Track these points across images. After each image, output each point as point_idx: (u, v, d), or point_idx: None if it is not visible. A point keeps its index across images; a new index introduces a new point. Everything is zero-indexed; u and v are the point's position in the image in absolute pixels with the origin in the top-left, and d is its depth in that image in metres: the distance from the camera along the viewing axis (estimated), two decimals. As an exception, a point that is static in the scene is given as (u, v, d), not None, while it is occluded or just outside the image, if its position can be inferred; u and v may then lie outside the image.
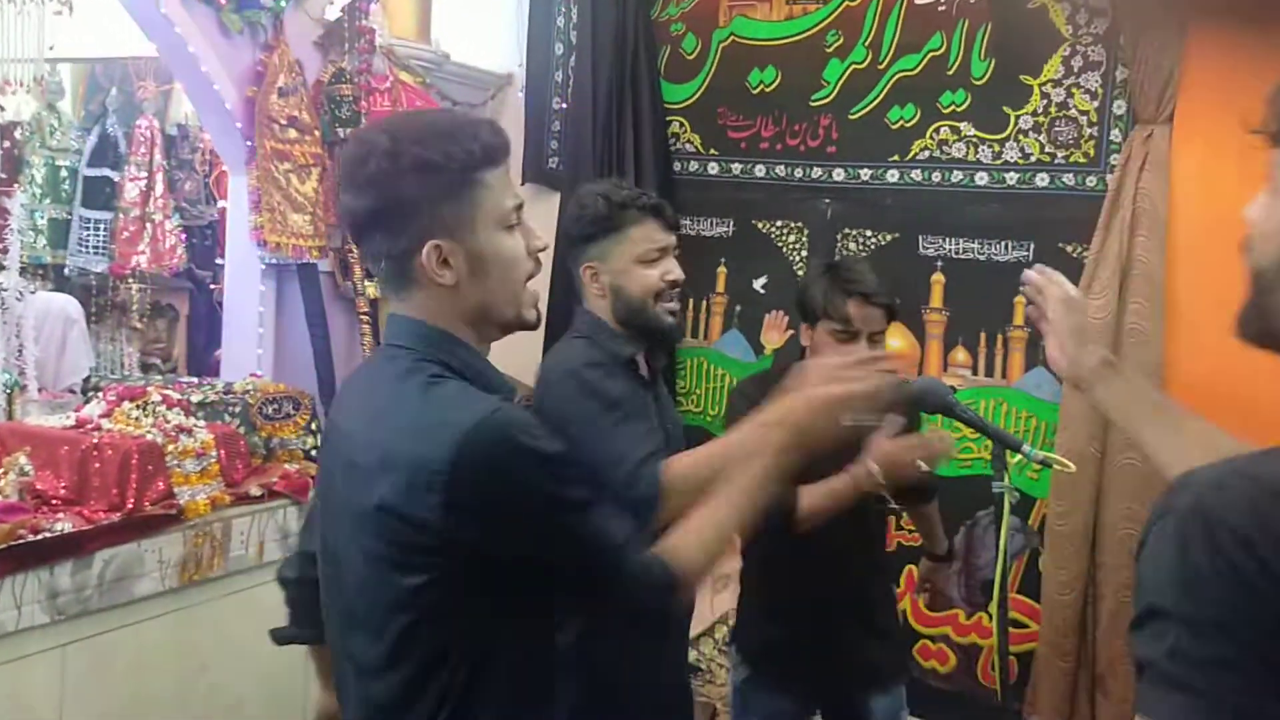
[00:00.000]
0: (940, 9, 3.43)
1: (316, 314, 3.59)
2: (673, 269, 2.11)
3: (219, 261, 4.70)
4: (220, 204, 4.73)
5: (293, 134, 3.43)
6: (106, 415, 2.84)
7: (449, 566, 1.23)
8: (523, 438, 1.22)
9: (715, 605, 3.51)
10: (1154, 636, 0.80)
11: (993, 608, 2.16)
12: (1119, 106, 3.21)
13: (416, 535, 1.21)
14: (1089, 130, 3.25)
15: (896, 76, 3.51)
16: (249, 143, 3.38)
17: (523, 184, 4.05)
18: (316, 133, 3.51)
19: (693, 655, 3.39)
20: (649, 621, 1.69)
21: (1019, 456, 1.97)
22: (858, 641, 2.43)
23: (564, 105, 3.98)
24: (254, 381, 3.28)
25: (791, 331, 3.73)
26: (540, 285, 3.15)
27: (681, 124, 3.88)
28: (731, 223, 3.83)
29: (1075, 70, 3.26)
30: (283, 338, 3.59)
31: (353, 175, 1.29)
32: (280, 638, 1.90)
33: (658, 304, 2.09)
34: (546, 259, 1.53)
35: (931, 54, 3.45)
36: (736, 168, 3.81)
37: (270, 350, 3.53)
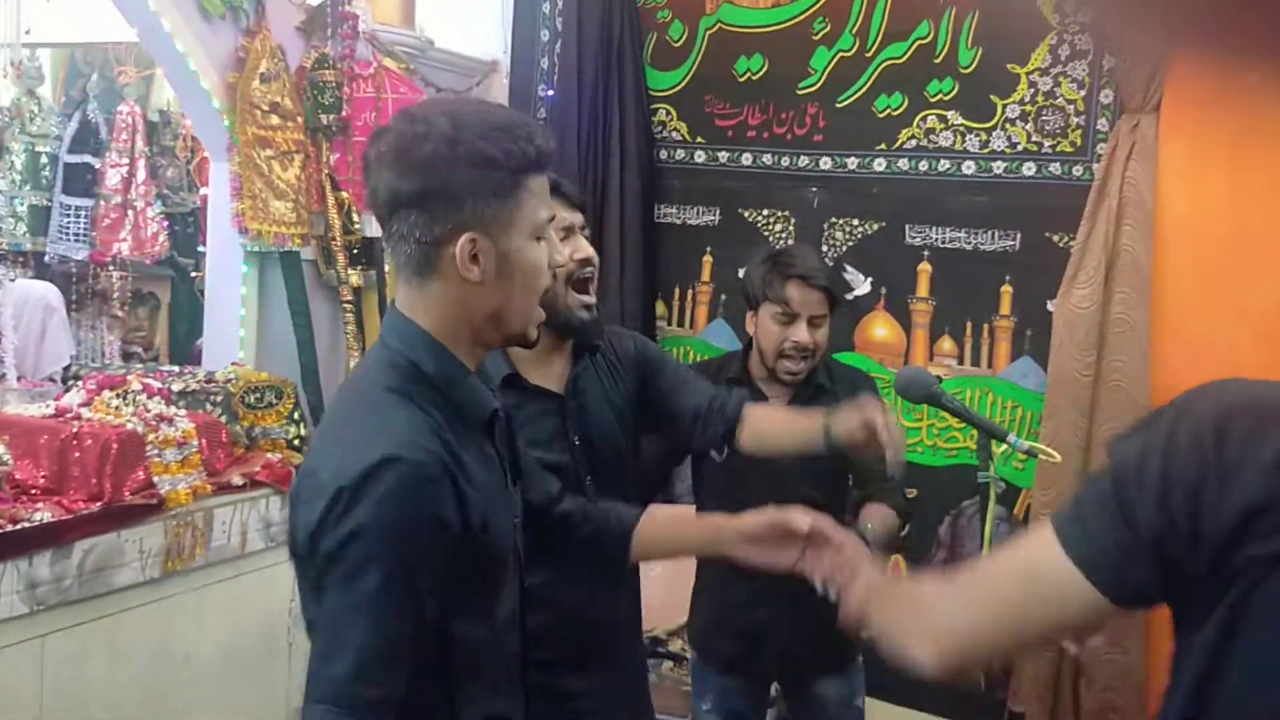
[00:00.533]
0: (928, -3, 3.42)
1: (299, 302, 3.56)
2: (581, 248, 1.95)
3: (201, 249, 4.67)
4: (203, 191, 4.69)
5: (275, 120, 3.40)
6: (86, 404, 2.81)
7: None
8: (401, 502, 1.18)
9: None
10: None
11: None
12: (1106, 96, 3.20)
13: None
14: (1076, 119, 3.24)
15: (884, 65, 3.50)
16: (228, 129, 3.34)
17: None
18: (299, 119, 3.47)
19: (677, 645, 3.39)
20: None
21: (1004, 446, 1.96)
22: (802, 623, 2.38)
23: (549, 92, 3.96)
24: (236, 370, 3.26)
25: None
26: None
27: (668, 111, 3.86)
28: (718, 211, 3.81)
29: (1062, 59, 3.25)
30: (265, 326, 3.56)
31: (405, 153, 1.25)
32: None
33: (569, 293, 1.94)
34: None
35: (919, 42, 3.44)
36: (723, 156, 3.79)
37: (253, 338, 3.50)
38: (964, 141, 3.40)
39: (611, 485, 1.98)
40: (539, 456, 1.85)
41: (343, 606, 1.17)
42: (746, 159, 3.75)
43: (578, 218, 1.99)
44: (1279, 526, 0.92)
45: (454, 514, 1.23)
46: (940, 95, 3.43)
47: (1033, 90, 3.29)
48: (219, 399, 3.07)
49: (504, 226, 1.28)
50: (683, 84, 3.83)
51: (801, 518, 1.54)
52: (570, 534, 1.71)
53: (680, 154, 3.85)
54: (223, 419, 3.04)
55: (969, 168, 3.40)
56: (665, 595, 2.90)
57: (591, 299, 1.97)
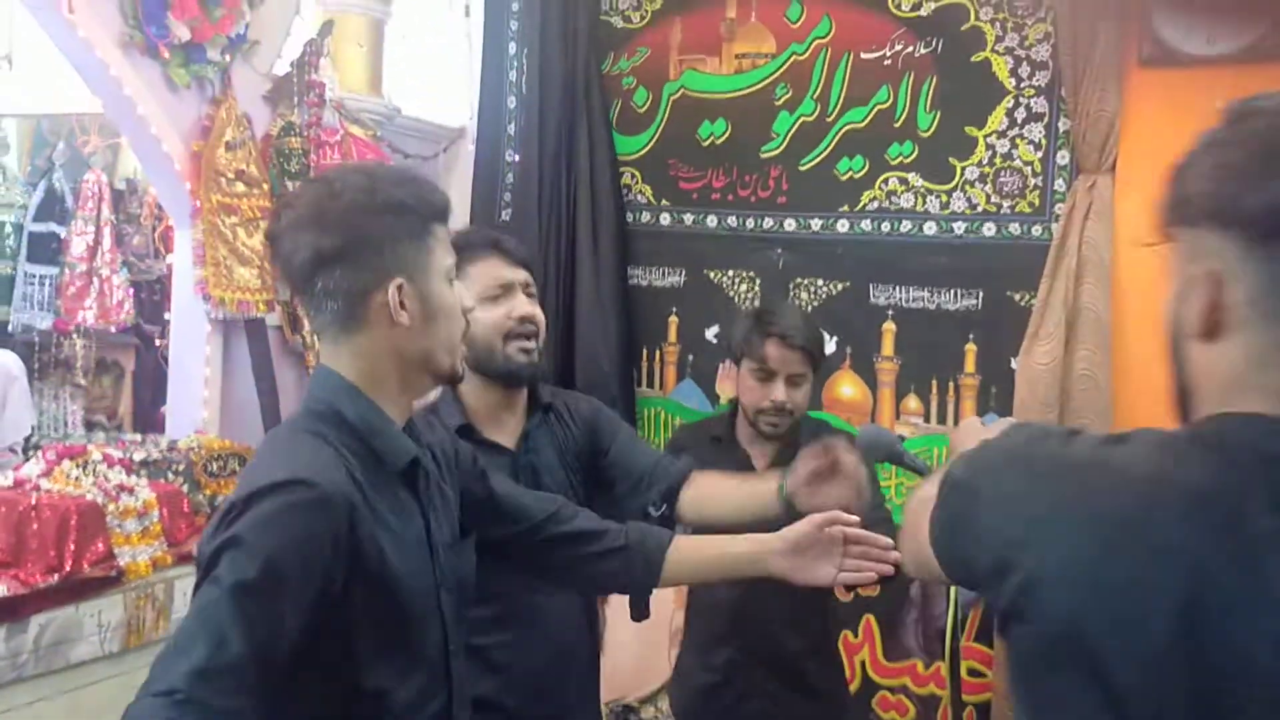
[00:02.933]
0: (886, 63, 3.49)
1: (264, 368, 3.54)
2: (519, 306, 2.01)
3: (168, 316, 4.64)
4: (169, 258, 4.68)
5: (240, 188, 3.41)
6: (46, 475, 2.77)
7: None
8: (255, 514, 1.18)
9: (672, 659, 3.48)
10: None
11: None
12: (1062, 157, 3.26)
13: None
14: (1033, 180, 3.30)
15: (845, 129, 3.56)
16: (194, 197, 3.34)
17: (474, 236, 4.05)
18: (265, 186, 3.48)
19: (649, 712, 3.34)
20: None
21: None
22: (782, 697, 2.40)
23: (516, 158, 3.99)
24: (198, 438, 3.23)
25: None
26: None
27: (633, 175, 3.90)
28: (683, 272, 3.84)
29: (1019, 122, 3.32)
30: (230, 393, 3.53)
31: (324, 212, 1.30)
32: None
33: (508, 344, 2.00)
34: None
35: (878, 107, 3.50)
36: (688, 218, 3.82)
37: (216, 406, 3.47)
38: (925, 203, 3.45)
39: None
40: None
41: (201, 607, 1.14)
42: (711, 221, 3.79)
43: (519, 274, 2.04)
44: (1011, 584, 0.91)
45: (344, 545, 1.21)
46: (901, 158, 3.48)
47: (991, 152, 3.35)
48: (181, 468, 3.03)
49: (423, 270, 1.35)
50: (647, 148, 3.87)
51: (848, 515, 1.60)
52: (579, 551, 1.67)
53: (646, 216, 3.89)
54: (185, 488, 3.00)
55: (930, 228, 3.45)
56: (638, 661, 2.86)
57: (530, 344, 2.02)
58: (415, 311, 1.33)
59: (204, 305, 3.39)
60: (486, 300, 1.98)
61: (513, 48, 3.98)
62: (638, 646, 2.81)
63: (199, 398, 3.46)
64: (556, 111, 3.79)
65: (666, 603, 2.73)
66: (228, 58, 3.35)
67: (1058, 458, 0.92)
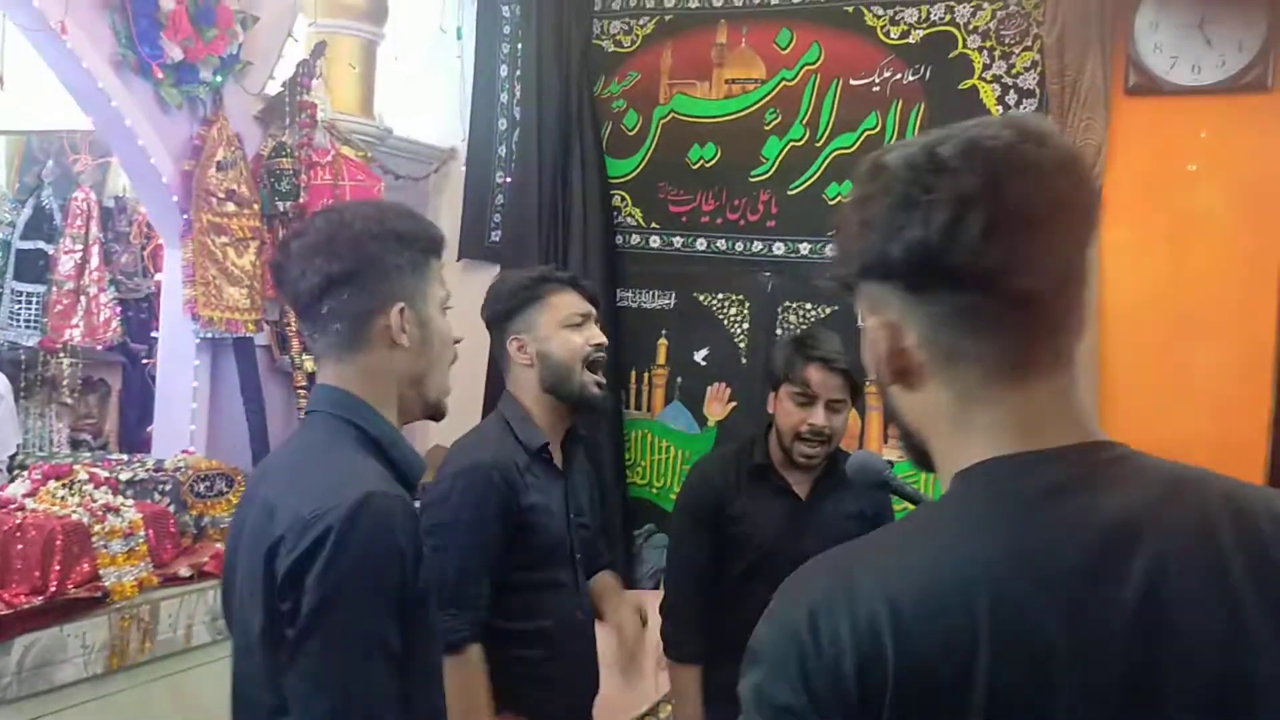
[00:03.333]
0: (875, 90, 3.52)
1: (252, 388, 3.53)
2: (596, 334, 2.17)
3: (155, 334, 4.62)
4: (157, 277, 4.66)
5: (231, 208, 3.41)
6: (31, 494, 2.75)
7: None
8: (389, 532, 1.28)
9: (660, 683, 3.46)
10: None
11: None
12: (1048, 184, 3.29)
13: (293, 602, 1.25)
14: (1020, 206, 3.32)
15: (834, 154, 3.58)
16: (185, 216, 3.34)
17: (459, 259, 4.05)
18: (256, 206, 3.48)
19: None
20: None
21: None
22: None
23: (507, 180, 4.00)
24: (185, 458, 3.21)
25: (734, 404, 3.74)
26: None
27: (623, 198, 3.91)
28: (673, 295, 3.86)
29: (1006, 148, 3.34)
30: (218, 413, 3.52)
31: (334, 238, 1.39)
32: None
33: (585, 371, 2.14)
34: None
35: (867, 132, 3.53)
36: (678, 241, 3.84)
37: (204, 426, 3.46)
38: (913, 227, 3.47)
39: (589, 565, 2.25)
40: (545, 521, 2.10)
41: (335, 645, 1.24)
42: (701, 244, 3.80)
43: (591, 309, 2.21)
44: None
45: (411, 554, 1.31)
46: (889, 183, 3.50)
47: (978, 178, 3.38)
48: (167, 488, 3.01)
49: (423, 297, 1.44)
50: (638, 171, 3.89)
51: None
52: None
53: (635, 239, 3.90)
54: (171, 508, 2.98)
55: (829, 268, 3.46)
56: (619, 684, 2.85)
57: (602, 379, 2.17)
58: (414, 336, 1.41)
59: (192, 324, 3.38)
60: (569, 326, 2.14)
61: (504, 70, 4.01)
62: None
63: (186, 417, 3.45)
64: (550, 134, 3.81)
65: (652, 627, 2.72)
66: (220, 78, 3.36)
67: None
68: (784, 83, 3.64)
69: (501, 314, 2.16)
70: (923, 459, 0.95)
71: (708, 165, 3.78)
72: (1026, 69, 3.31)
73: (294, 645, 1.24)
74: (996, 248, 0.81)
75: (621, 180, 3.91)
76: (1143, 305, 3.16)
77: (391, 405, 1.43)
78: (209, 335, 3.43)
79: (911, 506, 1.99)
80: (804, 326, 3.62)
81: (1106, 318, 3.15)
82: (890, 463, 2.12)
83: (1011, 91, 3.33)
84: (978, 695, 0.78)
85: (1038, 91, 3.28)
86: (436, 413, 1.50)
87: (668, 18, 3.84)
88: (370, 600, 1.25)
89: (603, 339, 2.19)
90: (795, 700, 0.80)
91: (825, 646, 0.80)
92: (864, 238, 0.87)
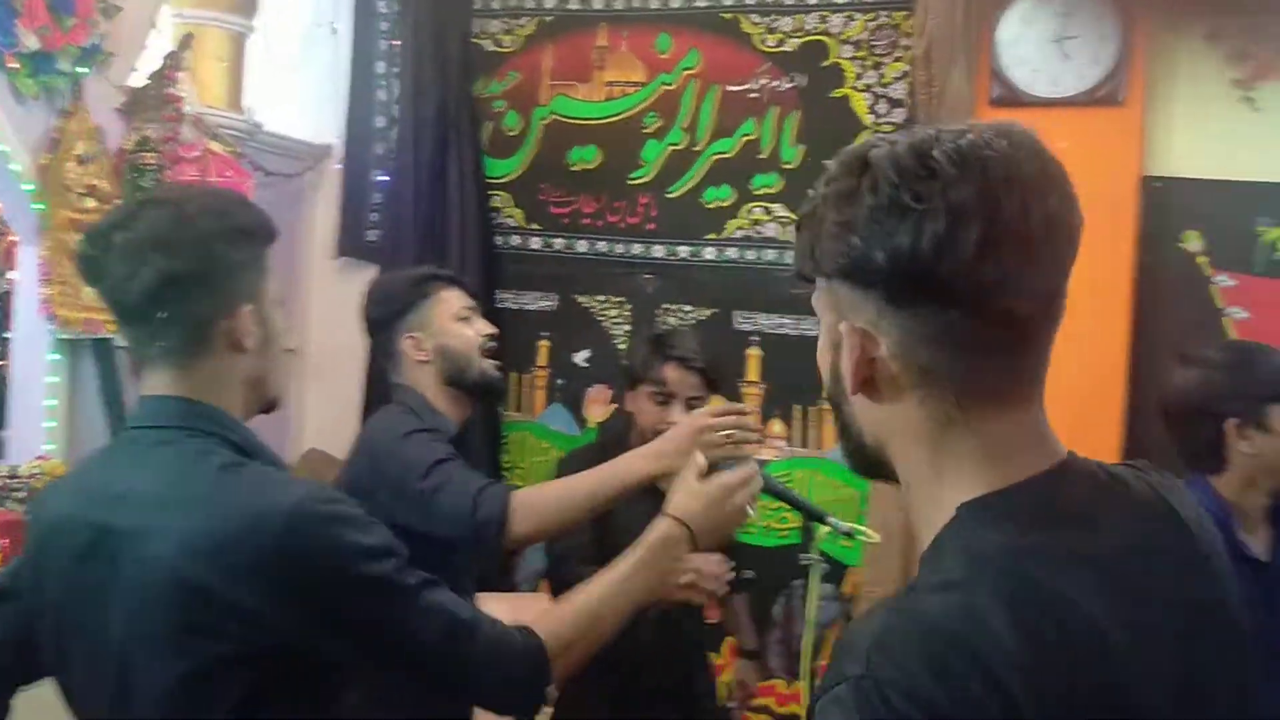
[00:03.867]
0: (752, 96, 3.58)
1: (112, 391, 3.39)
2: (486, 325, 2.22)
3: (7, 335, 4.40)
4: (10, 275, 4.44)
5: (91, 203, 3.27)
6: None
7: (248, 653, 1.19)
8: (341, 526, 1.23)
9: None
10: None
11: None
12: (917, 191, 3.39)
13: (221, 617, 1.17)
14: (891, 212, 3.42)
15: (712, 158, 3.63)
16: (41, 211, 3.19)
17: (338, 257, 3.98)
18: (117, 202, 3.34)
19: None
20: (519, 705, 1.46)
21: (826, 528, 2.01)
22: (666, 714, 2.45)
23: (385, 178, 3.94)
24: (42, 464, 3.07)
25: (615, 405, 3.75)
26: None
27: (504, 198, 3.89)
28: (554, 297, 3.85)
29: (877, 156, 3.43)
30: (76, 416, 3.37)
31: (171, 234, 1.25)
32: None
33: (483, 359, 2.17)
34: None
35: (745, 138, 3.58)
36: (559, 243, 3.84)
37: (62, 430, 3.31)
38: (788, 233, 3.54)
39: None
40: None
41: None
42: (582, 246, 3.81)
43: (475, 302, 2.25)
44: None
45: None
46: (766, 188, 3.57)
47: (851, 185, 3.46)
48: (22, 495, 2.88)
49: (262, 296, 1.34)
50: (518, 172, 3.88)
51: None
52: None
53: (516, 240, 3.88)
54: (27, 516, 2.85)
55: (793, 258, 3.53)
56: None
57: (498, 363, 2.21)
58: (259, 337, 1.33)
59: (48, 325, 3.24)
60: (459, 320, 2.17)
61: (381, 67, 3.94)
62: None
63: (42, 421, 3.30)
64: (428, 132, 3.77)
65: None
66: (80, 69, 3.22)
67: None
68: (664, 86, 3.68)
69: (393, 313, 2.16)
70: (873, 469, 0.91)
71: (588, 167, 3.78)
72: (896, 79, 3.41)
73: (356, 629, 1.23)
74: (989, 265, 0.77)
75: (502, 181, 3.89)
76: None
77: (237, 410, 1.34)
78: (66, 336, 3.29)
79: (782, 504, 2.05)
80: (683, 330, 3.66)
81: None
82: (764, 461, 2.17)
83: (882, 101, 3.43)
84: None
85: (907, 101, 3.38)
86: (274, 406, 1.43)
87: (548, 19, 3.83)
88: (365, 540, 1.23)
89: (493, 329, 2.23)
90: None
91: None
92: (843, 239, 0.83)
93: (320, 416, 3.94)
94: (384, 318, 2.17)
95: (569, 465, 2.53)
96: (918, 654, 0.74)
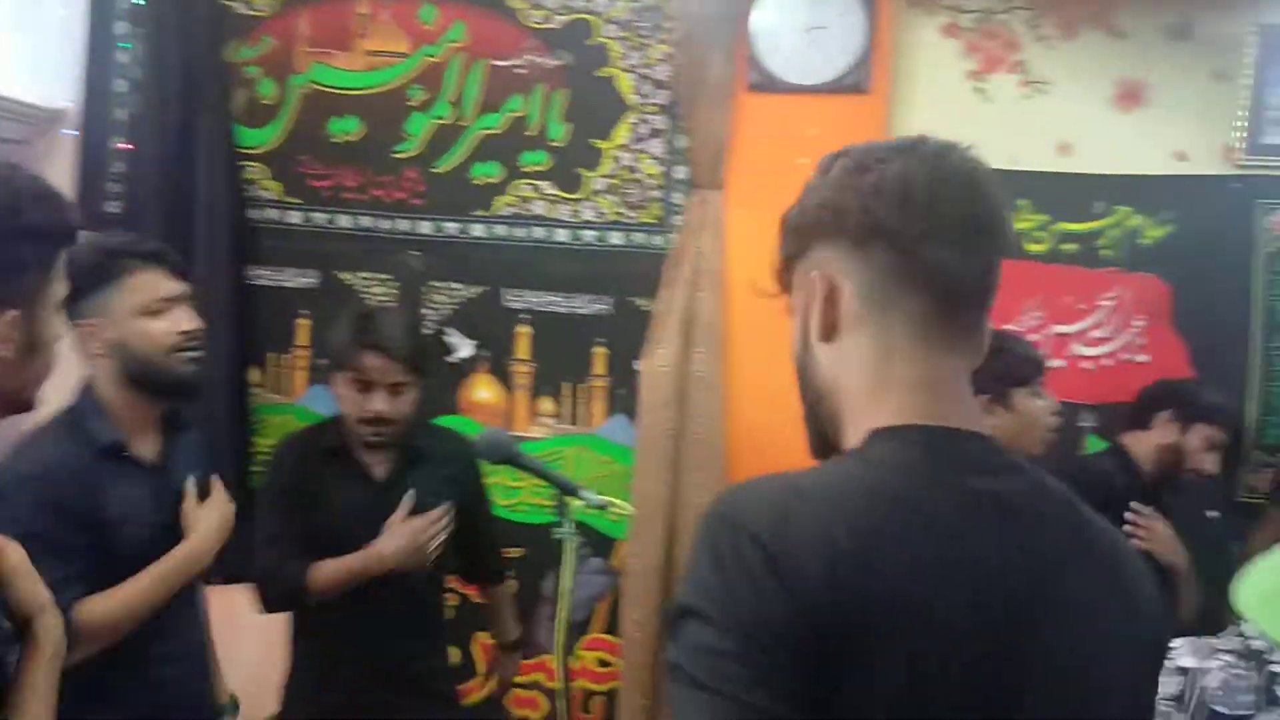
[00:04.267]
0: (519, 72, 3.55)
1: None
2: (185, 319, 1.99)
3: None
4: None
5: None
6: None
7: None
8: None
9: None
10: (681, 637, 0.84)
11: (579, 651, 2.22)
12: (680, 172, 3.47)
13: None
14: (655, 193, 3.49)
15: (479, 134, 3.58)
16: None
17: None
18: None
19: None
20: None
21: (580, 502, 2.04)
22: (405, 704, 2.42)
23: (126, 146, 3.68)
24: None
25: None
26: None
27: (260, 170, 3.71)
28: (315, 274, 3.71)
29: (642, 137, 3.49)
30: None
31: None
32: None
33: (173, 356, 1.97)
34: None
35: (512, 114, 3.56)
36: (320, 217, 3.70)
37: None
38: (557, 210, 3.54)
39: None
40: (128, 532, 1.85)
41: None
42: (345, 221, 3.69)
43: (180, 287, 1.99)
44: None
45: None
46: (534, 166, 3.56)
47: (616, 165, 3.50)
48: None
49: (41, 301, 1.22)
50: (275, 143, 3.70)
51: None
52: None
53: (273, 214, 3.71)
54: None
55: (562, 235, 3.55)
56: (257, 681, 2.72)
57: (197, 355, 1.99)
58: (20, 344, 1.20)
59: None
60: (147, 315, 1.91)
61: (120, 27, 3.68)
62: (256, 667, 2.67)
63: None
64: (173, 98, 3.54)
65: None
66: None
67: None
68: (428, 59, 3.59)
69: (72, 292, 1.92)
70: (822, 440, 1.07)
71: (351, 139, 3.66)
72: (660, 61, 3.45)
73: None
74: (922, 219, 0.98)
75: (257, 152, 3.71)
76: (762, 280, 3.39)
77: None
78: None
79: (541, 482, 2.06)
80: (455, 308, 3.61)
81: (731, 298, 3.37)
82: (516, 439, 2.18)
83: (647, 82, 3.47)
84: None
85: (670, 83, 3.44)
86: (29, 408, 1.33)
87: (305, -17, 3.67)
88: None
89: (194, 324, 2.00)
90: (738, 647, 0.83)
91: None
92: (819, 196, 1.05)
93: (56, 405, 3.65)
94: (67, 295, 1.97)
95: (290, 448, 2.46)
96: (762, 502, 0.91)
